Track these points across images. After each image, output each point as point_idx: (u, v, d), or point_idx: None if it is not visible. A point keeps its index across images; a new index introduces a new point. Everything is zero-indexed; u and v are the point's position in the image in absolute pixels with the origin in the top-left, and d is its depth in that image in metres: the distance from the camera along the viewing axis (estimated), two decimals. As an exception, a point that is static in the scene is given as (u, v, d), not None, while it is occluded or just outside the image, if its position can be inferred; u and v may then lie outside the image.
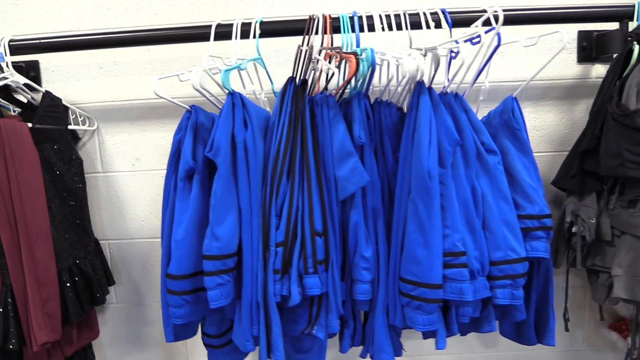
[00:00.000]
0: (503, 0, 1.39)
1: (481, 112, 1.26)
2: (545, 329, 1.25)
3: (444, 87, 1.15)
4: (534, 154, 1.42)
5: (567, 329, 1.41)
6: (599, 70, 1.41)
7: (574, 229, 1.24)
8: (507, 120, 1.19)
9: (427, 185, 1.07)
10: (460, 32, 1.13)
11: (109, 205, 1.47)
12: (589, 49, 1.39)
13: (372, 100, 1.18)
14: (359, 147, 1.15)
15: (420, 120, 1.08)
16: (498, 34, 1.08)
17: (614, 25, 1.28)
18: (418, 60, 1.04)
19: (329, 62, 1.09)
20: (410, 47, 1.19)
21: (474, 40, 1.12)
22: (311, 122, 1.13)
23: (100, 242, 1.46)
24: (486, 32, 1.11)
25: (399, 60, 1.06)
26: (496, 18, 1.12)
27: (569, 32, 1.40)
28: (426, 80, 1.09)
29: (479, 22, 1.18)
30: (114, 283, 1.47)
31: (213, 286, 1.09)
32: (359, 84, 1.14)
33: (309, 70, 1.15)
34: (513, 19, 1.26)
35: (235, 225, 1.11)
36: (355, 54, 1.06)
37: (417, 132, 1.08)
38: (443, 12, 1.22)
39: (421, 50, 1.10)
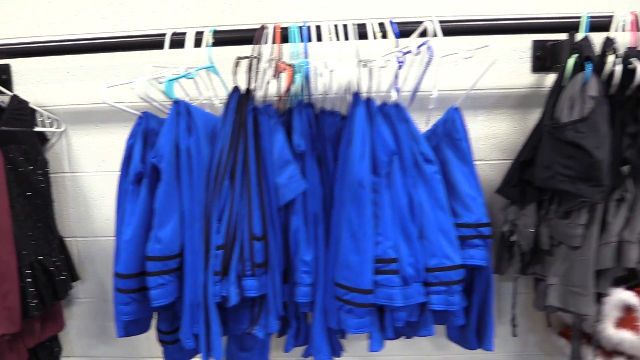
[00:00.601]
0: (460, 10, 1.42)
1: (433, 121, 1.29)
2: (485, 335, 1.28)
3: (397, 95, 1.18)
4: (488, 162, 1.46)
5: (514, 335, 1.44)
6: (553, 79, 1.42)
7: (513, 238, 1.26)
8: (449, 130, 1.22)
9: (358, 193, 1.10)
10: (408, 43, 1.17)
11: (76, 204, 1.53)
12: (543, 58, 1.40)
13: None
14: (300, 155, 1.19)
15: (353, 130, 1.12)
16: (429, 47, 1.11)
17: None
18: (350, 72, 1.07)
19: (273, 72, 1.13)
20: (358, 57, 1.22)
21: (404, 52, 1.15)
22: (254, 131, 1.17)
23: (68, 239, 1.53)
24: (422, 44, 1.14)
25: (332, 72, 1.10)
26: (427, 31, 1.16)
27: (524, 41, 1.41)
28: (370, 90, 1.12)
29: (415, 34, 1.20)
30: (79, 279, 1.53)
31: (154, 286, 1.14)
32: (299, 93, 1.18)
33: (256, 79, 1.18)
34: (468, 29, 1.28)
35: (177, 228, 1.16)
36: (291, 65, 1.09)
37: (351, 142, 1.12)
38: (390, 23, 1.25)
39: (361, 61, 1.13)
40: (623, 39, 1.22)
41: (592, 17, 1.24)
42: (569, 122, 1.08)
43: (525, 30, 1.28)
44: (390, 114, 1.18)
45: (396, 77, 1.23)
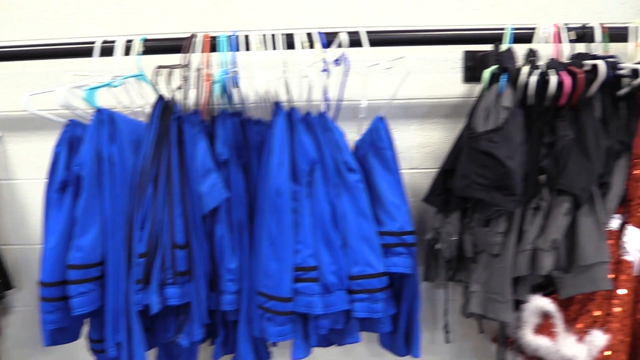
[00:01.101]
0: (393, 20, 1.43)
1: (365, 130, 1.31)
2: (412, 341, 1.29)
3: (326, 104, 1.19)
4: (421, 171, 1.48)
5: (447, 341, 1.45)
6: (482, 90, 1.44)
7: (437, 246, 1.28)
8: (374, 140, 1.23)
9: (275, 202, 1.11)
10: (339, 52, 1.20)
11: (12, 211, 1.52)
12: (474, 68, 1.42)
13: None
14: (224, 163, 1.19)
15: (273, 139, 1.13)
16: (345, 58, 1.12)
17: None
18: (267, 82, 1.09)
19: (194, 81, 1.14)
20: (285, 67, 1.23)
21: (327, 62, 1.17)
22: (178, 139, 1.17)
23: (4, 247, 1.52)
24: (332, 59, 1.16)
25: (250, 81, 1.11)
26: (342, 42, 1.18)
27: (455, 52, 1.43)
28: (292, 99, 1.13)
29: (334, 44, 1.22)
30: (13, 287, 1.52)
31: (75, 294, 1.14)
32: (226, 102, 1.18)
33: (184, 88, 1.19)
34: (397, 40, 1.30)
35: (98, 237, 1.16)
36: (210, 75, 1.10)
37: (270, 151, 1.13)
38: (318, 33, 1.26)
39: (283, 71, 1.15)
40: (546, 50, 1.26)
41: (516, 29, 1.27)
42: (483, 132, 1.10)
43: (453, 41, 1.30)
44: (313, 123, 1.19)
45: (325, 86, 1.25)
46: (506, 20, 1.42)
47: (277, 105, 1.14)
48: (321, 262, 1.16)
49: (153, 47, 1.28)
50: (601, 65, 1.09)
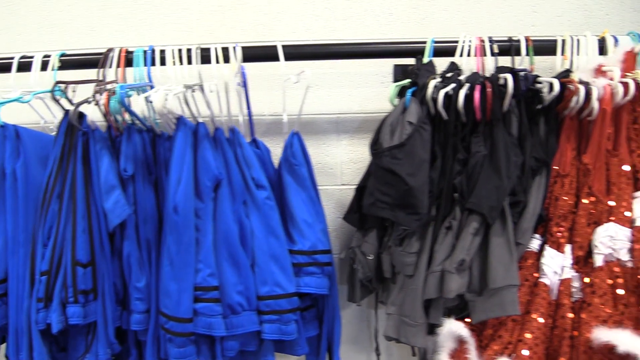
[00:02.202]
0: (326, 34, 1.41)
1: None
2: (330, 364, 1.25)
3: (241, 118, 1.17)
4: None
5: (379, 364, 1.40)
6: (417, 104, 1.40)
7: (355, 265, 1.23)
8: (287, 156, 1.20)
9: (173, 220, 1.09)
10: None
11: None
12: (405, 83, 1.38)
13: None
14: (131, 179, 1.17)
15: (172, 156, 1.11)
16: (242, 72, 1.10)
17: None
18: (165, 97, 1.06)
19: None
20: (200, 81, 1.21)
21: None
22: (83, 155, 1.15)
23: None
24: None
25: (148, 98, 1.09)
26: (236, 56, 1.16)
27: (386, 65, 1.40)
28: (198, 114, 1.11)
29: (237, 58, 1.19)
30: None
31: (-24, 312, 1.12)
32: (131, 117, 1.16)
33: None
34: (318, 54, 1.28)
35: (1, 253, 1.14)
36: (109, 91, 1.09)
37: (169, 168, 1.10)
38: (234, 48, 1.24)
39: (187, 86, 1.12)
40: (468, 64, 1.22)
41: (440, 42, 1.24)
42: (386, 148, 1.06)
43: (376, 54, 1.27)
44: (221, 139, 1.16)
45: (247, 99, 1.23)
46: (437, 33, 1.38)
47: (179, 120, 1.12)
48: (225, 281, 1.12)
49: (72, 61, 1.27)
50: (509, 78, 1.05)
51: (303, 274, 1.18)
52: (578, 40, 1.23)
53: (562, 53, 1.23)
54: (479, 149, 1.10)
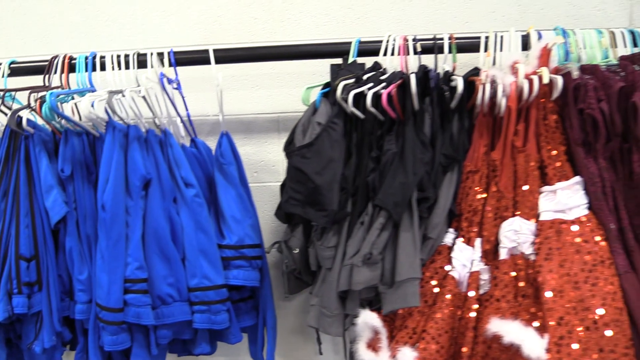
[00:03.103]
0: (265, 36, 1.46)
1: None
2: (268, 353, 1.32)
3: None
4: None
5: (320, 353, 1.46)
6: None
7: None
8: (217, 155, 1.26)
9: (101, 216, 1.17)
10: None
11: None
12: (343, 82, 1.43)
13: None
14: (70, 179, 1.25)
15: (102, 156, 1.18)
16: (160, 77, 1.16)
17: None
18: (90, 103, 1.14)
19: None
20: (138, 86, 1.28)
21: (169, 81, 1.21)
22: (26, 156, 1.24)
23: None
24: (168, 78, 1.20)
25: (77, 104, 1.16)
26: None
27: (324, 65, 1.44)
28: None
29: (164, 64, 1.26)
30: None
31: None
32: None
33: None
34: (251, 56, 1.34)
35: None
36: (40, 99, 1.17)
37: (99, 168, 1.18)
38: (169, 53, 1.31)
39: (111, 92, 1.20)
40: (392, 62, 1.26)
41: (364, 42, 1.28)
42: (296, 147, 1.11)
43: (303, 55, 1.32)
44: (151, 141, 1.23)
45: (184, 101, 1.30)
46: (372, 32, 1.42)
47: (107, 124, 1.19)
48: (155, 274, 1.20)
49: (22, 69, 1.36)
50: (411, 78, 1.09)
51: (232, 267, 1.25)
52: (502, 37, 1.25)
53: (486, 50, 1.25)
54: (390, 147, 1.14)
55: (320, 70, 1.45)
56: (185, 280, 1.22)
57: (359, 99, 1.14)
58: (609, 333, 0.98)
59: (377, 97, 1.12)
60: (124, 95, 1.17)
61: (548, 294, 1.00)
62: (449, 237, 1.16)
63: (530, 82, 1.09)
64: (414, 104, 1.13)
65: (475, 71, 1.16)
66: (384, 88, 1.14)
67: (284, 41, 1.40)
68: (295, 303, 1.56)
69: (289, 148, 1.13)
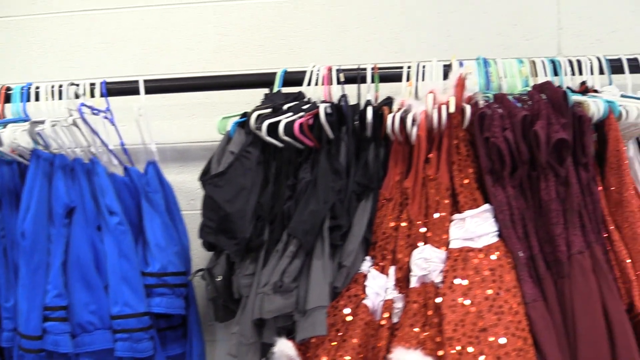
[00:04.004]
0: (200, 66, 1.49)
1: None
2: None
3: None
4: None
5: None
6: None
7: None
8: (143, 183, 1.29)
9: (22, 244, 1.18)
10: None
11: None
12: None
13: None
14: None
15: (25, 185, 1.21)
16: (79, 107, 1.19)
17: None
18: (11, 133, 1.17)
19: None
20: (71, 115, 1.31)
21: (94, 111, 1.24)
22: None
23: None
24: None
25: (1, 133, 1.19)
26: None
27: (258, 94, 1.46)
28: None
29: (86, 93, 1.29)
30: None
31: None
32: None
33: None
34: (176, 87, 1.37)
35: None
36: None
37: (21, 197, 1.20)
38: (102, 83, 1.34)
39: (34, 122, 1.22)
40: (315, 92, 1.28)
41: (289, 72, 1.31)
42: (209, 176, 1.13)
43: (228, 86, 1.35)
44: (76, 169, 1.26)
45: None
46: (305, 63, 1.44)
47: (32, 153, 1.22)
48: (76, 302, 1.21)
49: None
50: (320, 108, 1.11)
51: (155, 295, 1.25)
52: (424, 67, 1.27)
53: (408, 79, 1.27)
54: (305, 175, 1.15)
55: (254, 99, 1.44)
56: (108, 307, 1.23)
57: (276, 128, 1.16)
58: (512, 362, 0.98)
59: (290, 126, 1.13)
60: (45, 125, 1.19)
61: (448, 325, 1.00)
62: (365, 265, 1.16)
63: (439, 111, 1.11)
64: (327, 133, 1.14)
65: (389, 100, 1.18)
66: (301, 117, 1.16)
67: (218, 71, 1.44)
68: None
69: (204, 177, 1.15)
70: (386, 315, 1.11)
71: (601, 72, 1.29)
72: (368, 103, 1.19)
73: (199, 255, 1.43)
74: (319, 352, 1.11)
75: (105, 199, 1.25)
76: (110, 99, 1.35)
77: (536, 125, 1.04)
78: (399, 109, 1.15)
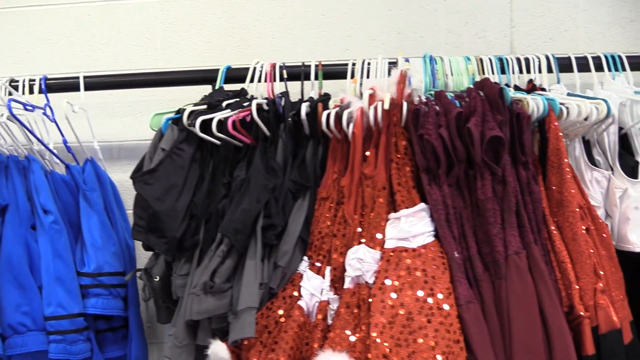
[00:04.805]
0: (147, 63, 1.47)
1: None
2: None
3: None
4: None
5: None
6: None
7: (149, 287, 1.26)
8: (79, 182, 1.26)
9: (-54, 244, 1.15)
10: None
11: None
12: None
13: None
14: None
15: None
16: (7, 103, 1.16)
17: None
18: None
19: None
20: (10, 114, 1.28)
21: (27, 108, 1.21)
22: None
23: None
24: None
25: None
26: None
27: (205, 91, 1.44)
28: None
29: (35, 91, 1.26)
30: None
31: None
32: None
33: None
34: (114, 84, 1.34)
35: None
36: None
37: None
38: (41, 79, 1.31)
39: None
40: (259, 89, 1.26)
41: (233, 68, 1.28)
42: (139, 174, 1.10)
43: (171, 83, 1.32)
44: (11, 167, 1.23)
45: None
46: (252, 59, 1.42)
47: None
48: (6, 303, 1.18)
49: None
50: (253, 105, 1.08)
51: (90, 295, 1.22)
52: (369, 64, 1.25)
53: (352, 76, 1.25)
54: (239, 174, 1.12)
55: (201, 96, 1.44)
56: (42, 308, 1.19)
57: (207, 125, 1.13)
58: (439, 365, 0.95)
59: (224, 123, 1.11)
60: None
61: (375, 327, 0.97)
62: (303, 265, 1.13)
63: (375, 108, 1.09)
64: (264, 130, 1.12)
65: (325, 97, 1.15)
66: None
67: (165, 68, 1.41)
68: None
69: (135, 174, 1.12)
70: (320, 316, 1.08)
71: (550, 70, 1.27)
72: (307, 100, 1.17)
73: (147, 255, 1.40)
74: (251, 354, 1.08)
75: (40, 197, 1.22)
76: (58, 95, 1.32)
77: (469, 123, 1.01)
78: (336, 107, 1.13)
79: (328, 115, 1.10)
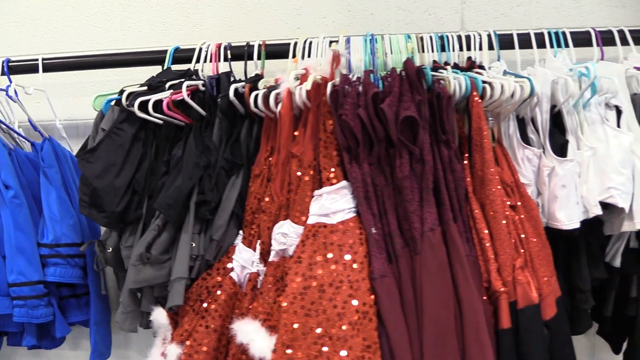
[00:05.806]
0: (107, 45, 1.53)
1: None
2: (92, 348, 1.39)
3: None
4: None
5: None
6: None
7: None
8: (39, 159, 1.34)
9: None
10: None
11: None
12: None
13: None
14: None
15: None
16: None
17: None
18: None
19: None
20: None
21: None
22: None
23: None
24: None
25: None
26: None
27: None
28: None
29: None
30: None
31: None
32: None
33: None
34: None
35: None
36: None
37: None
38: (4, 62, 1.39)
39: None
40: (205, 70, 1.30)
41: (181, 49, 1.33)
42: (82, 152, 1.17)
43: (124, 63, 1.38)
44: (-25, 145, 1.32)
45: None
46: (207, 39, 1.45)
47: None
48: (-27, 270, 1.28)
49: None
50: (183, 86, 1.13)
51: (49, 265, 1.32)
52: (310, 43, 1.27)
53: (294, 56, 1.28)
54: (177, 152, 1.18)
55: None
56: (4, 276, 1.30)
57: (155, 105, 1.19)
58: (347, 334, 1.00)
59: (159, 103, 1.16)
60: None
61: (286, 297, 1.03)
62: (239, 239, 1.20)
63: (302, 89, 1.12)
64: (200, 110, 1.17)
65: (257, 77, 1.19)
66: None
67: (124, 49, 1.47)
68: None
69: (79, 153, 1.19)
70: (250, 287, 1.14)
71: (491, 47, 1.27)
72: (236, 81, 1.21)
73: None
74: (184, 321, 1.15)
75: (1, 173, 1.31)
76: (23, 77, 1.40)
77: (384, 103, 1.04)
78: (267, 87, 1.16)
79: (256, 96, 1.14)
